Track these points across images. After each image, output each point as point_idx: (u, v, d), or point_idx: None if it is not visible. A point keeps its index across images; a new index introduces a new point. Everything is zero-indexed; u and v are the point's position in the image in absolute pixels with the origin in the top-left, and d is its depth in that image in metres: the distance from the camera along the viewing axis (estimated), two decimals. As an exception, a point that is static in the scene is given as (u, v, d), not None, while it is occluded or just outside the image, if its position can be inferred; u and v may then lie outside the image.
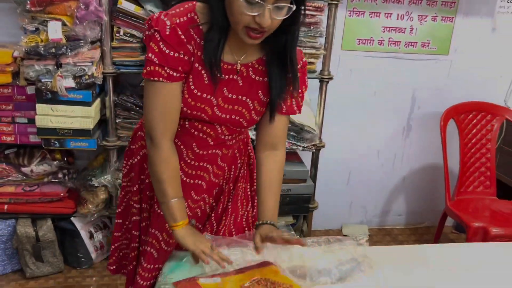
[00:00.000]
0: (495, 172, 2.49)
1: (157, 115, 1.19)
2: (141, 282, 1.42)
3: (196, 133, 1.28)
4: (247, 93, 1.25)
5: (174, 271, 1.39)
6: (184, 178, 1.36)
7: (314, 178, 2.52)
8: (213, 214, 1.47)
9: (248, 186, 1.53)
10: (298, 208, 2.52)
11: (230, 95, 1.24)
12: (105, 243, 2.46)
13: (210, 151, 1.33)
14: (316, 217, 2.64)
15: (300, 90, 1.29)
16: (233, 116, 1.26)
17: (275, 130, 1.32)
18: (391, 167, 2.87)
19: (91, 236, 2.40)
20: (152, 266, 1.43)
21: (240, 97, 1.25)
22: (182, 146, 1.32)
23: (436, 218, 2.96)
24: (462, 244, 1.70)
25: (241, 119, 1.27)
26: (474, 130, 2.50)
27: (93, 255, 2.41)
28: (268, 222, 1.30)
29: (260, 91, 1.26)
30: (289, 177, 2.40)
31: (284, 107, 1.30)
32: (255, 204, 1.54)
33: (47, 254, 2.29)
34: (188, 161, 1.34)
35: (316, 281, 1.33)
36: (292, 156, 2.50)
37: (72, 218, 2.34)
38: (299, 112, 1.35)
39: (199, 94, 1.20)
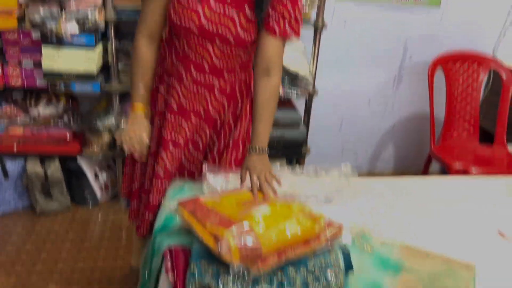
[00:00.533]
0: (479, 120, 2.62)
1: (141, 17, 1.44)
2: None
3: (192, 55, 1.42)
4: (232, 3, 1.35)
5: (177, 195, 1.55)
6: (184, 101, 1.50)
7: (307, 124, 2.65)
8: (215, 148, 1.60)
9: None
10: (291, 153, 2.65)
11: (215, 3, 1.34)
12: (109, 184, 2.61)
13: (207, 77, 1.46)
14: (308, 162, 2.79)
15: (291, 10, 1.35)
16: (220, 31, 1.36)
17: (268, 53, 1.40)
18: (381, 115, 2.99)
19: (96, 177, 2.55)
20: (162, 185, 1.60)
21: (226, 7, 1.35)
22: (181, 70, 1.46)
23: (422, 164, 3.13)
24: (443, 177, 1.85)
25: (227, 35, 1.37)
26: (461, 80, 2.61)
27: (99, 195, 2.57)
28: (259, 149, 1.42)
29: (246, 4, 1.35)
30: (283, 122, 2.53)
31: (276, 28, 1.37)
32: None
33: (55, 192, 2.45)
34: (187, 84, 1.48)
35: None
36: (286, 103, 2.62)
37: (78, 159, 2.48)
38: (296, 35, 1.40)
39: (186, 4, 1.34)
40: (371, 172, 3.15)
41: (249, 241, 1.02)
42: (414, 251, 1.32)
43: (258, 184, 1.37)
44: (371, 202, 1.53)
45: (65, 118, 2.41)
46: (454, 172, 2.31)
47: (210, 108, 1.52)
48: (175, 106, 1.52)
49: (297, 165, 2.68)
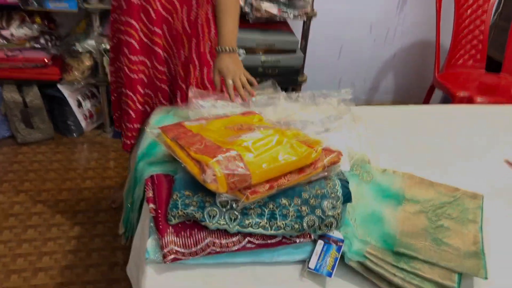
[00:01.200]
0: (487, 46, 2.45)
1: None
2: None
3: None
4: None
5: (161, 122, 1.42)
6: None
7: (304, 49, 2.47)
8: (179, 64, 1.50)
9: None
10: (286, 80, 2.51)
11: None
12: (94, 112, 2.47)
13: None
14: (304, 91, 2.65)
15: None
16: None
17: None
18: (383, 42, 2.81)
19: (80, 105, 2.40)
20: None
21: None
22: None
23: (423, 96, 3.00)
24: (447, 106, 1.73)
25: None
26: (471, 1, 2.41)
27: (83, 124, 2.44)
28: (228, 49, 1.34)
29: None
30: (278, 47, 2.35)
31: None
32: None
33: (37, 120, 2.31)
34: None
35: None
36: (282, 26, 2.43)
37: (59, 86, 2.32)
38: None
39: None
40: (369, 104, 3.03)
41: (237, 169, 0.91)
42: (417, 180, 1.22)
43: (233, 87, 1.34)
44: (372, 130, 1.41)
45: (42, 40, 2.22)
46: (458, 101, 2.18)
47: (161, 8, 1.40)
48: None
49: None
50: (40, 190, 2.07)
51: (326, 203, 0.98)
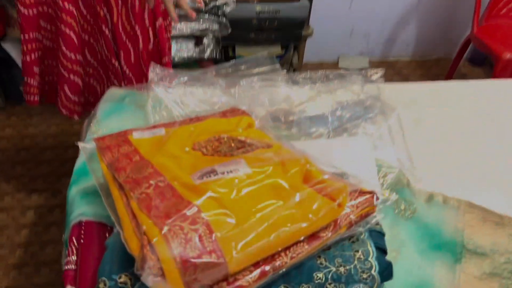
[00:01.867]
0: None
1: None
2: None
3: None
4: None
5: (110, 116, 1.00)
6: None
7: (309, -4, 1.98)
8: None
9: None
10: (288, 36, 2.04)
11: None
12: (52, 75, 2.03)
13: None
14: (309, 47, 2.19)
15: None
16: None
17: None
18: (405, -15, 2.30)
19: (33, 67, 1.95)
20: None
21: None
22: None
23: (449, 49, 2.53)
24: (495, 81, 1.30)
25: None
26: None
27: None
28: None
29: None
30: (277, -6, 1.87)
31: None
32: None
33: (-21, 88, 1.88)
34: None
35: (306, 132, 0.96)
36: (282, -34, 1.92)
37: (2, 44, 1.86)
38: None
39: None
40: (385, 59, 2.56)
41: (203, 252, 0.52)
42: (479, 215, 0.83)
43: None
44: (405, 122, 1.00)
45: (-24, -15, 1.73)
46: (503, 64, 1.74)
47: None
48: None
49: (295, 71, 2.10)
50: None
51: (355, 294, 0.59)
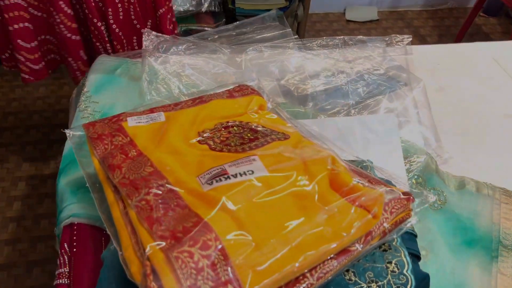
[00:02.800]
0: None
1: None
2: None
3: None
4: None
5: (100, 91, 0.89)
6: None
7: None
8: None
9: None
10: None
11: None
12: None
13: None
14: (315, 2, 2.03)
15: None
16: None
17: None
18: None
19: None
20: None
21: None
22: None
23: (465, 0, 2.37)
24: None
25: None
26: None
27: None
28: None
29: None
30: None
31: None
32: None
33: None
34: None
35: (322, 108, 0.86)
36: None
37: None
38: None
39: None
40: (394, 10, 2.39)
41: (214, 281, 0.44)
42: (515, 203, 0.75)
43: None
44: (431, 99, 0.90)
45: None
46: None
47: None
48: None
49: (299, 24, 1.93)
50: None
51: (389, 316, 0.52)
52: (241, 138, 0.62)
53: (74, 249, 0.59)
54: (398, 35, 0.90)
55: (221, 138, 0.63)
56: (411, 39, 0.90)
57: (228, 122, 0.66)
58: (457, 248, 0.69)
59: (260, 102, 0.72)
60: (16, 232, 1.33)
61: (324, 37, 0.90)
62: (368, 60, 0.89)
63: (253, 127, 0.65)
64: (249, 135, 0.63)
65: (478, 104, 0.93)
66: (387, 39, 0.91)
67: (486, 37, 2.20)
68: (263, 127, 0.65)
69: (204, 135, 0.63)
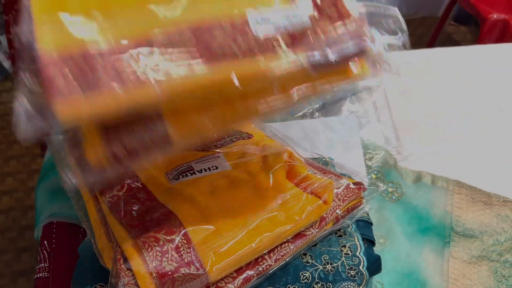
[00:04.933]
0: None
1: None
2: None
3: None
4: None
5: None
6: None
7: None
8: None
9: None
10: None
11: None
12: (20, 48, 1.92)
13: None
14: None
15: None
16: None
17: None
18: None
19: (-2, 40, 1.85)
20: None
21: None
22: None
23: (435, 8, 2.47)
24: (482, 47, 1.26)
25: None
26: None
27: (6, 64, 1.90)
28: None
29: None
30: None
31: None
32: None
33: None
34: None
35: (288, 112, 0.91)
36: None
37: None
38: None
39: None
40: (369, 19, 2.48)
41: (181, 264, 0.48)
42: (468, 194, 0.81)
43: None
44: (390, 100, 0.96)
45: None
46: (490, 25, 1.69)
47: None
48: None
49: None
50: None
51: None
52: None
53: (53, 246, 0.64)
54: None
55: None
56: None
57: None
58: (412, 235, 0.75)
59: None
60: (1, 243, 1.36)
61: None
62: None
63: None
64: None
65: (437, 105, 1.00)
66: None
67: (456, 45, 2.29)
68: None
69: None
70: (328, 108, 0.91)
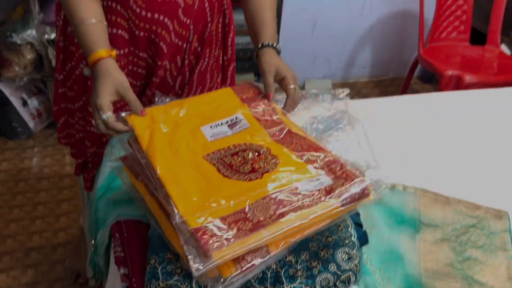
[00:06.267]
0: (471, 16, 2.29)
1: None
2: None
3: None
4: None
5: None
6: (134, 30, 1.03)
7: (277, 28, 2.23)
8: (177, 84, 1.15)
9: (221, 54, 1.23)
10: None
11: None
12: (42, 110, 2.17)
13: None
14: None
15: None
16: None
17: None
18: (358, 15, 2.60)
19: (25, 103, 2.09)
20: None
21: None
22: None
23: (401, 69, 2.83)
24: (439, 94, 1.56)
25: None
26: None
27: (31, 124, 2.14)
28: (270, 44, 1.02)
29: None
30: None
31: None
32: (228, 74, 1.27)
33: (-25, 125, 2.00)
34: (138, 10, 0.99)
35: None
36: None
37: (-3, 84, 2.00)
38: None
39: None
40: (345, 81, 2.84)
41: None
42: (431, 197, 1.05)
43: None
44: (369, 133, 1.23)
45: (-29, 32, 1.89)
46: (446, 80, 2.02)
47: (174, 38, 1.05)
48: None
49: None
50: (-15, 209, 1.80)
51: (340, 254, 0.79)
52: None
53: (125, 234, 0.85)
54: (340, 89, 1.25)
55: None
56: (349, 91, 1.24)
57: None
58: (391, 225, 0.98)
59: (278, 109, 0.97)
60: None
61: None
62: (319, 108, 1.23)
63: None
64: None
65: (406, 137, 1.27)
66: (332, 92, 1.25)
67: (423, 99, 2.63)
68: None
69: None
70: (319, 138, 1.16)
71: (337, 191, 0.73)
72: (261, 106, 0.93)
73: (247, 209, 0.69)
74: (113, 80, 0.83)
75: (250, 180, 0.74)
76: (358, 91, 2.77)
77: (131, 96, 0.84)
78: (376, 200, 0.78)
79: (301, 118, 1.23)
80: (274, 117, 0.92)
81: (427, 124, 1.34)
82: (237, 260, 0.67)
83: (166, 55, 1.06)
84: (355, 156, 1.15)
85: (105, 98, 0.82)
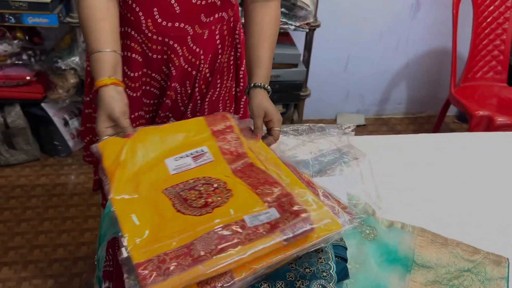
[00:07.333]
0: (509, 56, 2.23)
1: None
2: None
3: None
4: None
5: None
6: (148, 53, 1.11)
7: (307, 63, 2.28)
8: (189, 110, 1.21)
9: (234, 85, 1.29)
10: (288, 96, 2.32)
11: None
12: (82, 131, 2.32)
13: (176, 24, 1.07)
14: (309, 106, 2.46)
15: None
16: None
17: None
18: (393, 51, 2.60)
19: (66, 123, 2.25)
20: None
21: None
22: (140, 13, 1.06)
23: (438, 107, 2.78)
24: (462, 134, 1.53)
25: None
26: (492, 7, 2.19)
27: (70, 143, 2.28)
28: (262, 85, 1.07)
29: None
30: (279, 61, 2.17)
31: None
32: (241, 106, 1.32)
33: (20, 141, 2.16)
34: (149, 34, 1.08)
35: (293, 174, 1.19)
36: (282, 38, 2.24)
37: (42, 104, 2.17)
38: None
39: None
40: (379, 116, 2.82)
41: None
42: (429, 238, 1.03)
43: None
44: (376, 166, 1.22)
45: (24, 56, 2.07)
46: (476, 120, 1.97)
47: (183, 62, 1.12)
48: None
49: (289, 123, 2.36)
50: (20, 220, 1.93)
51: (315, 286, 0.80)
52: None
53: (116, 250, 0.90)
54: (346, 124, 1.27)
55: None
56: (355, 126, 1.26)
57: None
58: (381, 263, 0.97)
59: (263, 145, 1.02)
60: None
61: (295, 124, 1.26)
62: (326, 141, 1.25)
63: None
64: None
65: (409, 175, 1.25)
66: (339, 126, 1.27)
67: (459, 139, 2.56)
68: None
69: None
70: (324, 171, 1.18)
71: (280, 227, 0.73)
72: (229, 140, 0.94)
73: (191, 245, 0.70)
74: (106, 109, 0.90)
75: (200, 215, 0.76)
76: (392, 127, 2.74)
77: (122, 123, 0.91)
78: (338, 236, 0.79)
79: (308, 150, 1.26)
80: (240, 151, 0.92)
81: (441, 164, 1.32)
82: (201, 285, 0.70)
83: (175, 77, 1.13)
84: (357, 190, 1.16)
85: (100, 124, 0.89)
